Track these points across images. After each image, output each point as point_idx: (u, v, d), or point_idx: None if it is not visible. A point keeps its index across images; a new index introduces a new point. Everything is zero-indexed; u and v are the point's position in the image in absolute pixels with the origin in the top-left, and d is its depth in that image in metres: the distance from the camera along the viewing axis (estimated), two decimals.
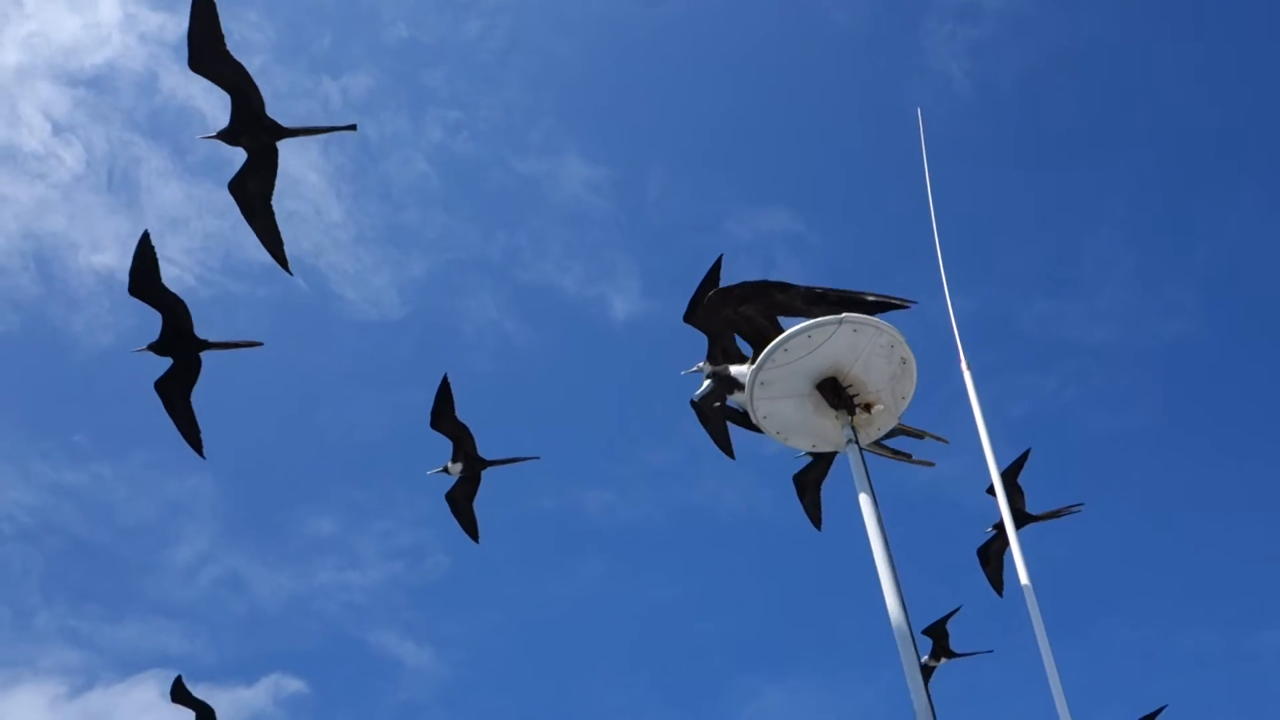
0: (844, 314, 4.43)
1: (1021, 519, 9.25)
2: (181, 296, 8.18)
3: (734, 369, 4.91)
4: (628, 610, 21.34)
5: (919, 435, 5.44)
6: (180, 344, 8.27)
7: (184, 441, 8.57)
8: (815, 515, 9.18)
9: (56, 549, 19.86)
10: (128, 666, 19.44)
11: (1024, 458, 9.24)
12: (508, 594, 21.24)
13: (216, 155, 18.43)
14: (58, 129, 18.36)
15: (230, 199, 7.57)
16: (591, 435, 21.40)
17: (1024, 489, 9.25)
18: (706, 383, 4.99)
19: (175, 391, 8.30)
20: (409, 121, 20.00)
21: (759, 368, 4.45)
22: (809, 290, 4.75)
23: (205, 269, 19.15)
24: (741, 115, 20.15)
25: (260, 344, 9.05)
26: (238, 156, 7.67)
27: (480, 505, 9.78)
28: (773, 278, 4.60)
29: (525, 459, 9.95)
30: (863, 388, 4.55)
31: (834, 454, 8.83)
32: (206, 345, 8.36)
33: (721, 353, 7.37)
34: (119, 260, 18.30)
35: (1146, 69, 20.40)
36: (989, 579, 9.42)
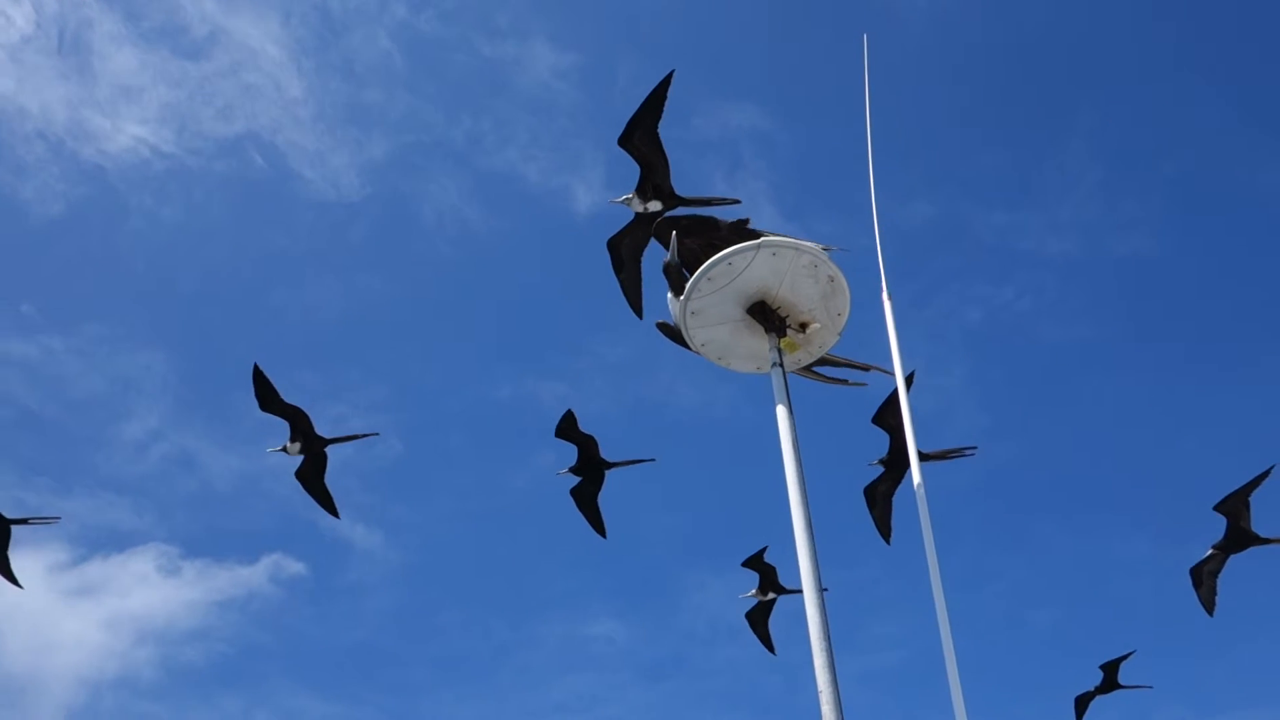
0: (763, 238, 4.47)
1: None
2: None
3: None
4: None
5: (864, 369, 5.38)
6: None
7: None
8: (885, 528, 8.99)
9: (4, 420, 20.02)
10: (78, 541, 20.07)
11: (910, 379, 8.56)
12: (460, 482, 21.27)
13: (172, 22, 18.43)
14: None
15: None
16: (549, 327, 21.23)
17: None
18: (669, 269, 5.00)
19: None
20: None
21: (687, 297, 4.57)
22: (739, 224, 4.79)
23: (160, 141, 18.88)
24: (717, 8, 19.32)
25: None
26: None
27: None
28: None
29: (364, 435, 10.28)
30: (792, 308, 4.60)
31: (905, 468, 8.65)
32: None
33: (653, 187, 7.48)
34: (69, 128, 18.34)
35: None
36: (876, 523, 8.89)
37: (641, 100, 7.31)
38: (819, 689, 3.69)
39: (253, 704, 19.94)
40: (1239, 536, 8.92)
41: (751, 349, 4.71)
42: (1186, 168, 19.96)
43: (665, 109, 7.25)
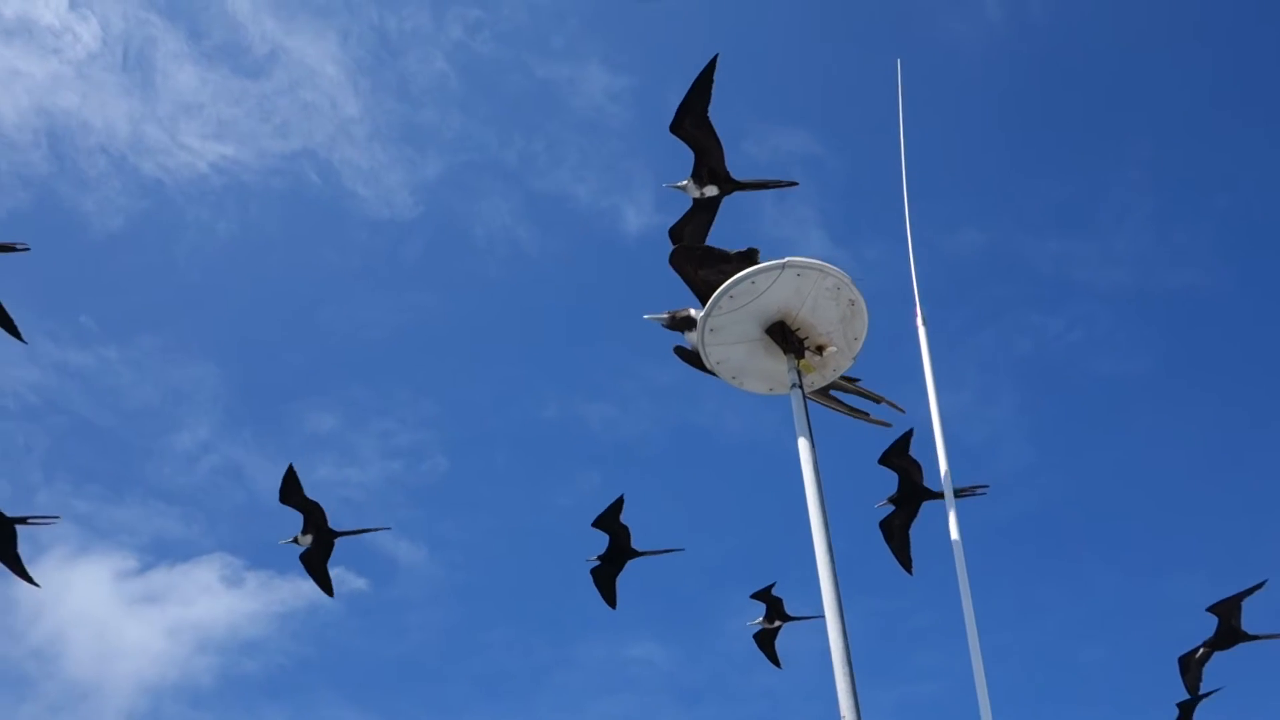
0: (788, 258, 4.45)
1: (925, 494, 8.88)
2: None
3: (692, 311, 4.98)
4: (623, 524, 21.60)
5: (876, 399, 5.40)
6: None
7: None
8: (905, 560, 9.09)
9: (60, 428, 20.22)
10: (146, 550, 20.29)
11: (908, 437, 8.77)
12: (504, 500, 21.29)
13: (233, 41, 18.56)
14: (74, 4, 18.24)
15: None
16: (596, 348, 21.25)
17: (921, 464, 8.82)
18: (664, 316, 5.06)
19: None
20: (430, 18, 19.60)
21: (707, 314, 4.52)
22: (748, 253, 4.78)
23: (218, 157, 19.06)
24: (769, 32, 19.37)
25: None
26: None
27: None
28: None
29: (377, 529, 10.42)
30: (811, 330, 4.58)
31: (919, 501, 8.80)
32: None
33: (708, 171, 7.43)
34: (130, 143, 18.59)
35: (1181, 10, 19.28)
36: (895, 555, 9.02)
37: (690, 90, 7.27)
38: (841, 714, 3.65)
39: (296, 716, 19.94)
40: (1229, 635, 9.56)
41: (766, 370, 4.67)
42: (1242, 200, 19.93)
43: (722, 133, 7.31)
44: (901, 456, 8.58)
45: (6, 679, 19.25)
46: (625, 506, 9.89)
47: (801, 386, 4.45)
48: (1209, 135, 19.83)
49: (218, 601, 20.06)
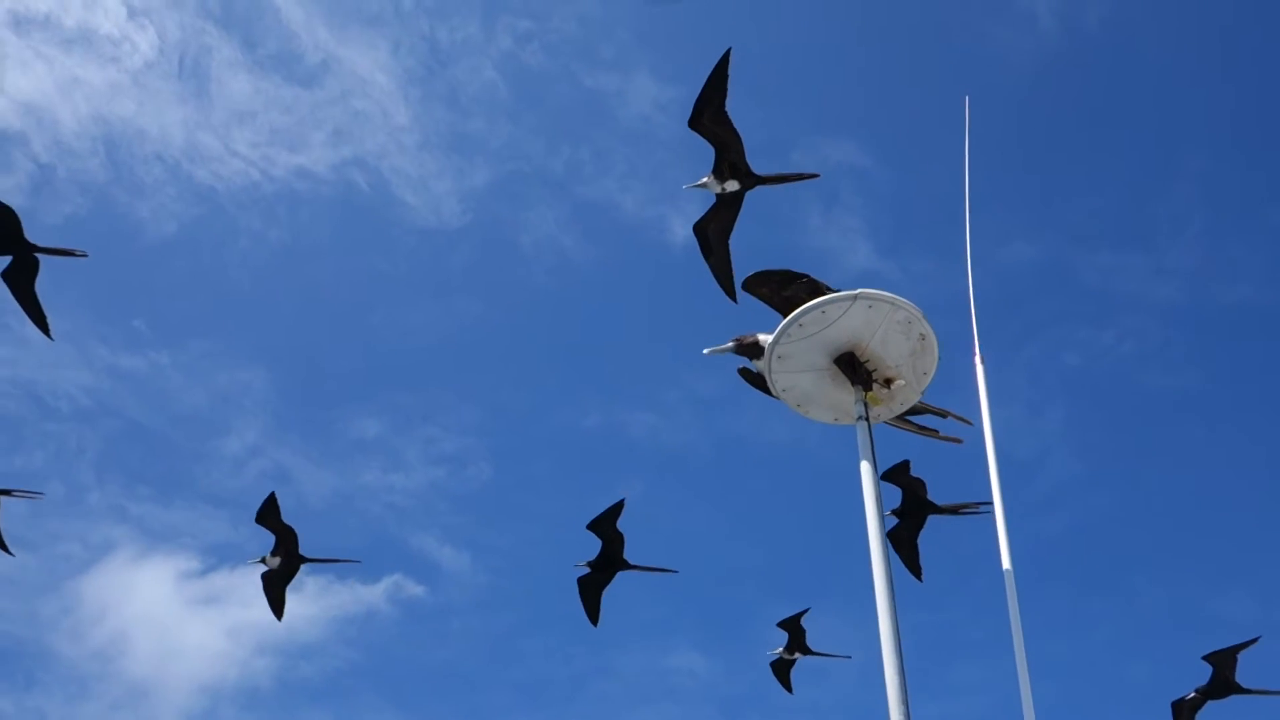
0: (860, 290, 4.47)
1: (928, 508, 8.92)
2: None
3: (760, 336, 5.00)
4: (664, 533, 20.76)
5: (942, 414, 5.36)
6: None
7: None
8: (915, 569, 9.21)
9: (112, 431, 20.35)
10: (209, 552, 20.50)
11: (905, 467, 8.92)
12: (546, 508, 20.91)
13: (286, 50, 18.85)
14: (133, 13, 18.40)
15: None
16: (640, 358, 21.11)
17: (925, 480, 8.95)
18: (729, 345, 5.09)
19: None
20: (480, 28, 19.71)
21: (776, 341, 4.55)
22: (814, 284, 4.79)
23: (270, 164, 19.35)
24: (819, 43, 19.44)
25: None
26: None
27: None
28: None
29: (347, 561, 10.55)
30: (880, 363, 4.58)
31: (924, 514, 8.93)
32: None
33: (729, 166, 7.38)
34: (185, 150, 18.95)
35: (1236, 21, 18.79)
36: (905, 564, 9.14)
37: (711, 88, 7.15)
38: None
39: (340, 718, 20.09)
40: (1222, 686, 9.67)
41: (833, 399, 4.68)
42: None
43: (760, 145, 7.35)
44: (903, 476, 8.80)
45: (70, 678, 19.65)
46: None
47: (868, 419, 4.45)
48: (1263, 148, 19.49)
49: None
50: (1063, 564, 19.56)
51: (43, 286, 8.28)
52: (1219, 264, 19.95)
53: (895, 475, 8.85)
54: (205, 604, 20.42)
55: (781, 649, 10.99)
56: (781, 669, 11.20)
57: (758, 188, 7.53)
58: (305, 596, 19.75)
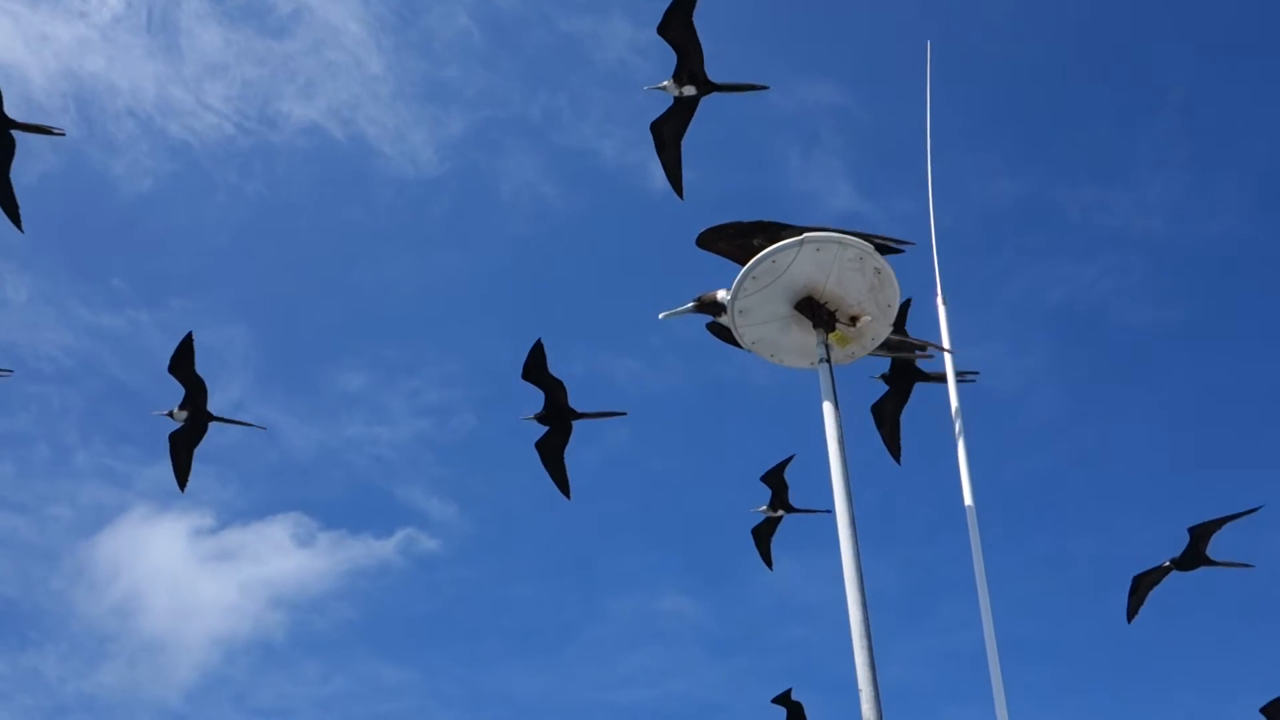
0: (805, 234, 4.44)
1: (917, 375, 8.17)
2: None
3: (720, 293, 5.02)
4: (651, 480, 20.97)
5: (921, 346, 5.26)
6: None
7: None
8: (894, 448, 8.74)
9: (95, 391, 20.66)
10: (224, 509, 21.08)
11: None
12: (533, 457, 21.14)
13: (257, 2, 18.90)
14: None
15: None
16: (624, 304, 20.60)
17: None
18: (689, 305, 5.12)
19: None
20: None
21: (734, 297, 4.58)
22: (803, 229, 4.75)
23: (244, 118, 19.28)
24: None
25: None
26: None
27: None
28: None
29: (249, 424, 10.18)
30: (841, 302, 4.56)
31: (911, 383, 8.47)
32: None
33: (688, 72, 8.02)
34: (157, 105, 18.92)
35: None
36: (885, 442, 8.58)
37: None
38: (860, 687, 3.70)
39: (331, 670, 20.78)
40: (1193, 558, 9.33)
41: (802, 344, 4.68)
42: (1278, 146, 18.68)
43: (731, 72, 7.76)
44: (897, 331, 8.24)
45: (89, 636, 20.37)
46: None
47: (829, 360, 4.45)
48: (1245, 78, 18.49)
49: (288, 560, 20.97)
50: (1047, 499, 19.27)
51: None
52: (1202, 196, 19.20)
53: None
54: (218, 560, 21.12)
55: (765, 506, 10.58)
56: (762, 535, 10.82)
57: (712, 94, 8.23)
58: (317, 551, 20.76)
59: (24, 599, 20.57)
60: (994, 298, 18.84)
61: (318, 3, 19.43)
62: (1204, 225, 19.44)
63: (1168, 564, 9.44)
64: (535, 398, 9.45)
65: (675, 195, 7.89)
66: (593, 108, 20.01)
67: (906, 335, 5.12)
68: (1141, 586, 9.62)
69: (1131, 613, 9.68)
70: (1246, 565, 9.51)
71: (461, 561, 21.47)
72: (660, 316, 5.08)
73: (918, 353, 5.35)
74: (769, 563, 11.05)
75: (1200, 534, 9.28)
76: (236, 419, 10.16)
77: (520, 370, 9.24)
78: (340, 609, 21.03)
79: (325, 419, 21.46)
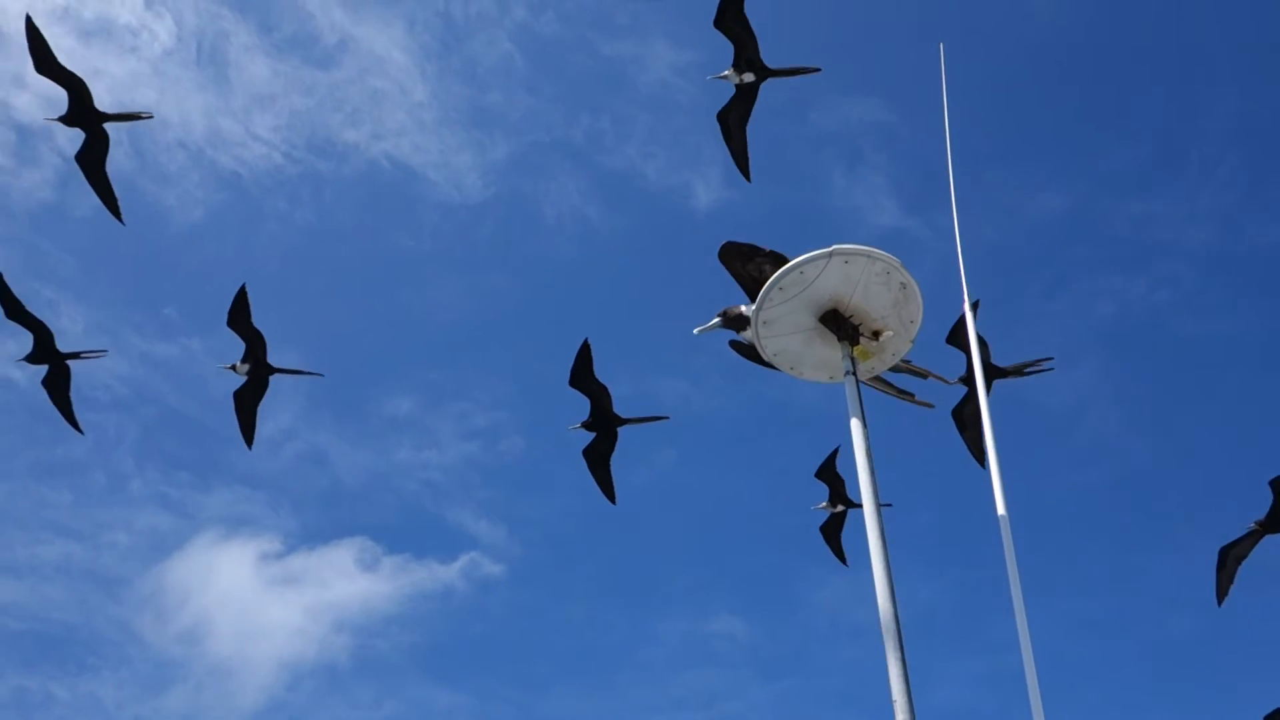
0: (834, 246, 4.47)
1: (994, 372, 8.41)
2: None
3: (743, 308, 5.04)
4: (700, 500, 21.17)
5: (923, 375, 5.32)
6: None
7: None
8: (978, 452, 8.72)
9: (149, 418, 20.84)
10: (291, 534, 21.29)
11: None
12: (580, 478, 21.46)
13: (303, 32, 19.22)
14: (149, 2, 18.78)
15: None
16: (670, 325, 21.05)
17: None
18: (715, 321, 5.14)
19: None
20: (494, 1, 19.78)
21: (759, 308, 4.58)
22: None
23: (292, 147, 19.65)
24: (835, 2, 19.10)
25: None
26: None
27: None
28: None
29: (311, 374, 10.26)
30: (865, 316, 4.58)
31: (989, 380, 8.57)
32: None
33: (746, 60, 8.55)
34: (207, 136, 19.34)
35: None
36: (968, 446, 8.54)
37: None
38: (893, 699, 3.66)
39: (384, 694, 20.75)
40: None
41: (824, 358, 4.69)
42: None
43: (779, 105, 8.10)
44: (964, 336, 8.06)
45: (152, 661, 20.42)
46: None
47: (855, 373, 4.46)
48: None
49: (352, 584, 21.10)
50: (1104, 515, 19.34)
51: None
52: (1253, 206, 19.24)
53: (959, 335, 8.07)
54: (284, 584, 21.15)
55: (825, 503, 10.61)
56: (831, 530, 10.80)
57: (769, 80, 8.78)
58: (382, 574, 20.74)
59: (82, 625, 20.60)
60: (1042, 312, 19.01)
61: (363, 32, 19.66)
62: (1256, 235, 19.35)
63: (1254, 526, 8.84)
64: (581, 410, 9.56)
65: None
66: (635, 130, 20.37)
67: (908, 362, 5.16)
68: (1229, 560, 9.02)
69: (1221, 592, 9.08)
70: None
71: (512, 584, 21.59)
72: (694, 331, 5.08)
73: (906, 385, 5.38)
74: (842, 559, 10.97)
75: None
76: (296, 369, 10.27)
77: (569, 376, 9.40)
78: (399, 632, 21.12)
79: (375, 443, 21.68)
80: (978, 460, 8.66)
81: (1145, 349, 20.00)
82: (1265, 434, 19.14)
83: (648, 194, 20.45)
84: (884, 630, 3.75)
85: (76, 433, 10.35)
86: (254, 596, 21.23)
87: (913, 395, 5.33)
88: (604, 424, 9.68)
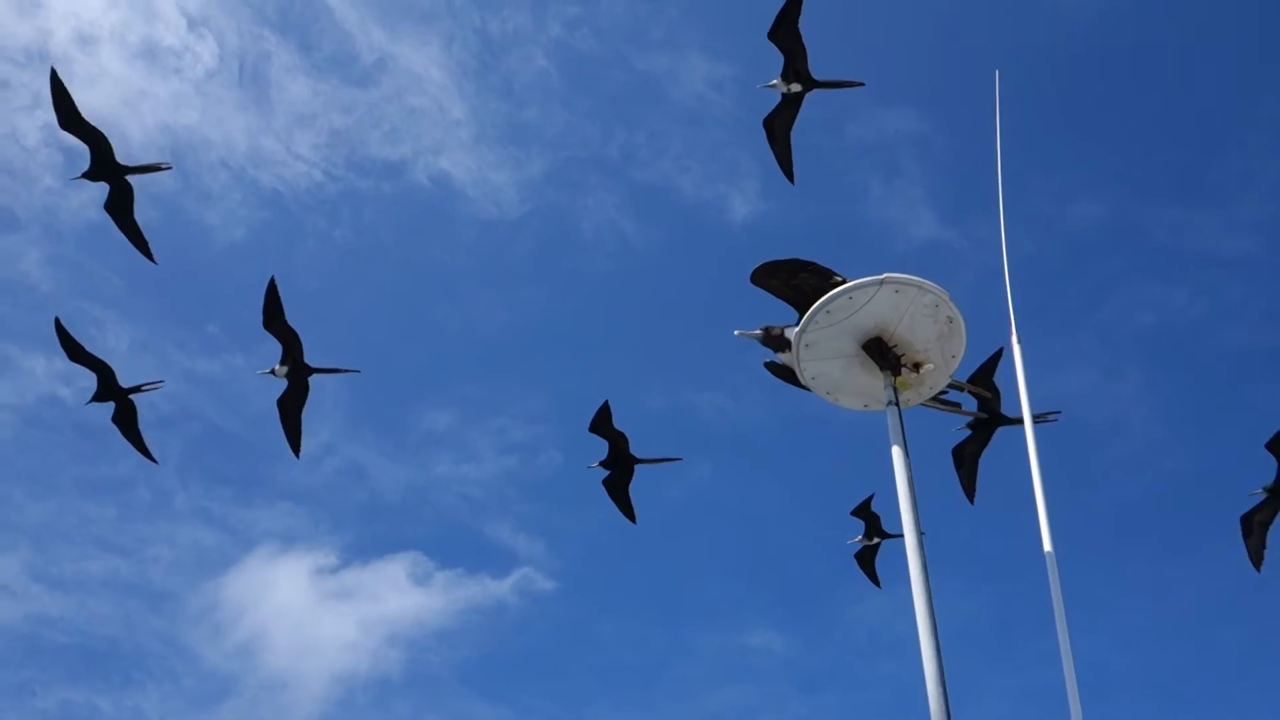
0: (886, 274, 4.46)
1: (1000, 420, 8.63)
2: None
3: (785, 329, 5.00)
4: (737, 513, 21.34)
5: (960, 388, 5.36)
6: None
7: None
8: (970, 487, 9.18)
9: (193, 435, 21.03)
10: (346, 548, 21.53)
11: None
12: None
13: (342, 52, 19.41)
14: (193, 23, 19.12)
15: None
16: (706, 339, 21.40)
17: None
18: (757, 333, 5.09)
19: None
20: (531, 18, 20.03)
21: (802, 329, 4.55)
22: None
23: (332, 165, 19.99)
24: (870, 9, 19.25)
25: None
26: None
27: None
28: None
29: (346, 370, 10.21)
30: (909, 347, 4.57)
31: (994, 427, 8.77)
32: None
33: (794, 71, 9.02)
34: (249, 156, 19.72)
35: None
36: (961, 483, 9.04)
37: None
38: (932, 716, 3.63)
39: (424, 708, 20.81)
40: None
41: (862, 386, 4.67)
42: None
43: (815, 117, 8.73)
44: (986, 381, 8.40)
45: (208, 676, 20.55)
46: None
47: (898, 404, 4.44)
48: None
49: (405, 599, 21.34)
50: (1147, 528, 19.49)
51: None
52: None
53: (979, 380, 8.25)
54: (339, 598, 21.32)
55: (860, 536, 11.17)
56: (866, 558, 11.36)
57: (814, 90, 9.31)
58: (434, 589, 21.14)
59: (127, 639, 20.68)
60: (1082, 324, 19.20)
61: (400, 51, 19.85)
62: None
63: (1263, 491, 9.02)
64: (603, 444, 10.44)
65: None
66: (671, 144, 20.51)
67: (947, 392, 5.17)
68: (1255, 526, 9.16)
69: (1257, 559, 9.18)
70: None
71: (562, 600, 21.63)
72: (735, 333, 5.01)
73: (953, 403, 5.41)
74: (876, 582, 11.50)
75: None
76: (334, 367, 10.14)
77: (589, 424, 10.25)
78: (447, 647, 21.17)
79: (413, 458, 21.86)
80: (968, 497, 8.96)
81: (1187, 360, 20.06)
82: None
83: (684, 207, 20.68)
84: (925, 660, 3.71)
85: (148, 460, 10.52)
86: (308, 610, 21.35)
87: (959, 405, 5.34)
88: (620, 463, 10.44)
